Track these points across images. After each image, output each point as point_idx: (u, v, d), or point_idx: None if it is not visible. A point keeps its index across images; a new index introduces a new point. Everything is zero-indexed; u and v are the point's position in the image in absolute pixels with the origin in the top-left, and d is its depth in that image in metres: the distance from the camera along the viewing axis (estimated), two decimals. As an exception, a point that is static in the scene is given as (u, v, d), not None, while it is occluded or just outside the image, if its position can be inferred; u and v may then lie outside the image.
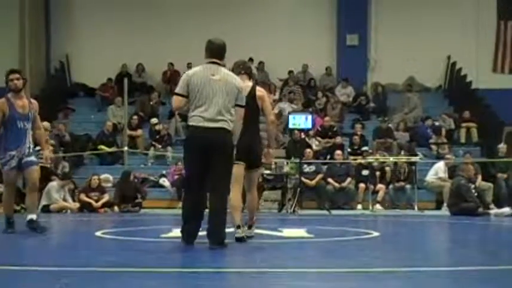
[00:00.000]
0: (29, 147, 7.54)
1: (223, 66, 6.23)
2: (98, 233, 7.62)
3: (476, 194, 12.72)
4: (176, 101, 6.11)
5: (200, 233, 6.12)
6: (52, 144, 16.06)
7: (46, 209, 13.00)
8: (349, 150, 16.15)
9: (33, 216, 7.47)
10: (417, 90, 19.18)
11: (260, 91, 6.82)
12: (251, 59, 18.88)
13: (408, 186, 14.72)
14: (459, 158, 15.20)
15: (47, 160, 8.21)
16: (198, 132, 5.96)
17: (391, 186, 14.84)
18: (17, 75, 7.54)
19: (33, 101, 7.79)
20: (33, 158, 7.52)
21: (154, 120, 17.02)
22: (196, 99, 5.97)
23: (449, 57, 19.45)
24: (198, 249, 5.95)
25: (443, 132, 17.19)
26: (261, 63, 19.43)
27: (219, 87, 5.98)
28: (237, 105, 6.12)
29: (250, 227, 6.89)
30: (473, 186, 12.86)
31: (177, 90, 6.12)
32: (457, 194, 12.56)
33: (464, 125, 17.65)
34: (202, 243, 6.15)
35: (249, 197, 6.88)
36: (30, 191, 7.59)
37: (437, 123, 17.40)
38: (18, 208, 13.66)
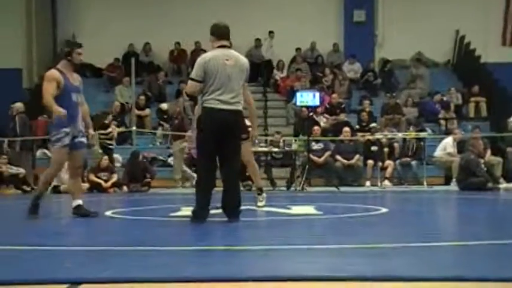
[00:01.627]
0: (83, 125, 7.06)
1: (231, 46, 6.44)
2: (108, 213, 7.67)
3: (485, 169, 12.69)
4: (192, 86, 6.30)
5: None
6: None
7: (56, 190, 13.09)
8: (357, 126, 16.12)
9: (80, 202, 7.05)
10: (425, 65, 19.06)
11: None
12: (271, 32, 18.80)
13: (416, 162, 14.69)
14: (468, 133, 15.14)
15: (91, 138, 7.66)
16: (214, 114, 6.18)
17: (399, 162, 14.81)
18: (81, 50, 7.07)
19: (76, 74, 7.19)
20: (84, 140, 7.09)
21: (164, 105, 16.91)
22: (213, 85, 6.18)
23: (457, 32, 19.29)
24: (207, 227, 5.98)
25: (452, 107, 17.11)
26: (257, 40, 19.29)
27: (233, 72, 6.22)
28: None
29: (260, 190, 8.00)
30: (482, 161, 12.83)
31: (193, 75, 6.27)
32: (466, 169, 12.53)
33: (473, 99, 17.56)
34: (212, 221, 6.19)
35: (250, 167, 8.03)
36: (75, 176, 7.16)
37: (445, 99, 17.31)
38: (28, 189, 13.82)
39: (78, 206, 7.03)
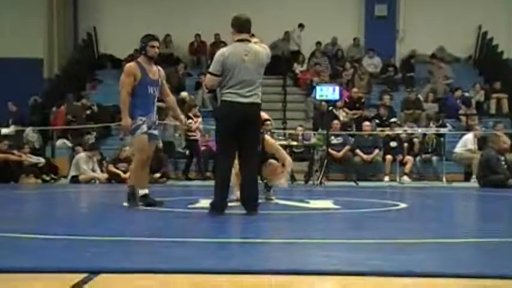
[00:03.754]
0: (156, 118, 7.32)
1: (251, 39, 6.43)
2: (126, 203, 7.70)
3: (506, 166, 12.56)
4: (211, 81, 6.33)
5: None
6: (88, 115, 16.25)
7: (75, 180, 13.18)
8: (377, 121, 16.02)
9: (146, 191, 7.14)
10: (447, 60, 18.90)
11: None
12: (302, 25, 18.73)
13: (436, 158, 14.59)
14: (489, 130, 15.00)
15: (187, 126, 8.41)
16: (233, 107, 6.20)
17: (419, 158, 14.72)
18: (158, 43, 7.33)
19: (159, 68, 7.44)
20: (157, 132, 7.30)
21: (184, 94, 16.95)
22: (231, 79, 6.20)
23: (480, 27, 19.09)
24: (225, 219, 5.99)
25: (473, 103, 16.95)
26: (286, 33, 19.27)
27: (252, 67, 6.22)
28: None
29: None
30: (503, 158, 12.69)
31: (212, 70, 6.30)
32: (486, 165, 12.41)
33: (494, 95, 17.37)
34: (230, 214, 6.19)
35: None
36: (144, 166, 7.14)
37: (467, 94, 17.16)
38: (48, 178, 13.94)
39: (145, 195, 7.16)
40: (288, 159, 8.03)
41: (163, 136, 14.29)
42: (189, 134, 14.53)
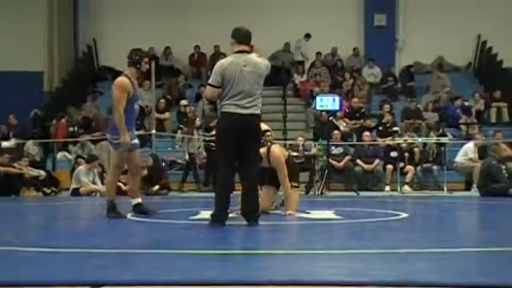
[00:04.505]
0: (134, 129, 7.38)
1: (251, 51, 6.47)
2: (128, 216, 7.69)
3: (507, 175, 12.55)
4: (210, 92, 6.36)
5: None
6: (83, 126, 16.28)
7: (76, 192, 13.17)
8: (380, 128, 15.99)
9: (139, 200, 7.36)
10: (446, 70, 18.94)
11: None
12: (308, 35, 18.77)
13: (437, 167, 14.59)
14: (489, 138, 15.01)
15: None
16: (233, 118, 6.20)
17: (419, 167, 14.72)
18: (148, 59, 7.41)
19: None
20: (137, 141, 7.34)
21: (184, 102, 17.03)
22: (231, 91, 6.20)
23: (479, 36, 19.15)
24: (226, 230, 5.98)
25: (473, 112, 16.97)
26: (286, 44, 19.34)
27: (251, 78, 6.23)
28: None
29: None
30: (504, 166, 12.69)
31: (211, 81, 6.32)
32: (487, 174, 12.41)
33: (494, 104, 17.41)
34: (230, 224, 6.19)
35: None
36: (134, 175, 7.40)
37: (467, 103, 17.18)
38: (49, 191, 13.93)
39: (138, 204, 7.32)
40: (293, 198, 7.54)
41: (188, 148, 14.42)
42: (212, 144, 14.53)
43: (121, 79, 7.16)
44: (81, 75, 19.43)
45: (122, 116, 6.95)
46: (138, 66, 7.20)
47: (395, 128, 15.90)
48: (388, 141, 15.21)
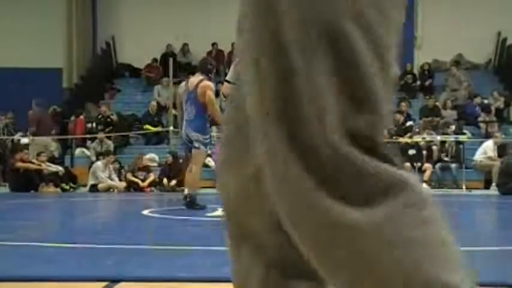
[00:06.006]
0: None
1: None
2: (145, 212, 7.73)
3: (526, 173, 12.44)
4: (228, 88, 6.37)
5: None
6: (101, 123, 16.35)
7: (94, 189, 13.26)
8: (391, 127, 15.89)
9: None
10: (465, 67, 18.79)
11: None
12: None
13: (455, 165, 14.49)
14: (509, 137, 14.87)
15: None
16: None
17: (438, 165, 14.62)
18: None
19: None
20: None
21: None
22: None
23: (499, 34, 18.96)
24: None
25: (493, 110, 16.82)
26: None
27: None
28: None
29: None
30: (523, 165, 12.58)
31: (229, 78, 6.31)
32: (506, 173, 12.31)
33: (514, 102, 17.24)
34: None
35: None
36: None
37: (486, 101, 17.03)
38: (67, 187, 14.03)
39: (184, 197, 7.85)
40: None
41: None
42: None
43: (210, 83, 7.75)
44: (99, 72, 19.53)
45: (218, 111, 7.56)
46: (210, 74, 7.81)
47: (409, 123, 15.69)
48: (407, 139, 15.10)
